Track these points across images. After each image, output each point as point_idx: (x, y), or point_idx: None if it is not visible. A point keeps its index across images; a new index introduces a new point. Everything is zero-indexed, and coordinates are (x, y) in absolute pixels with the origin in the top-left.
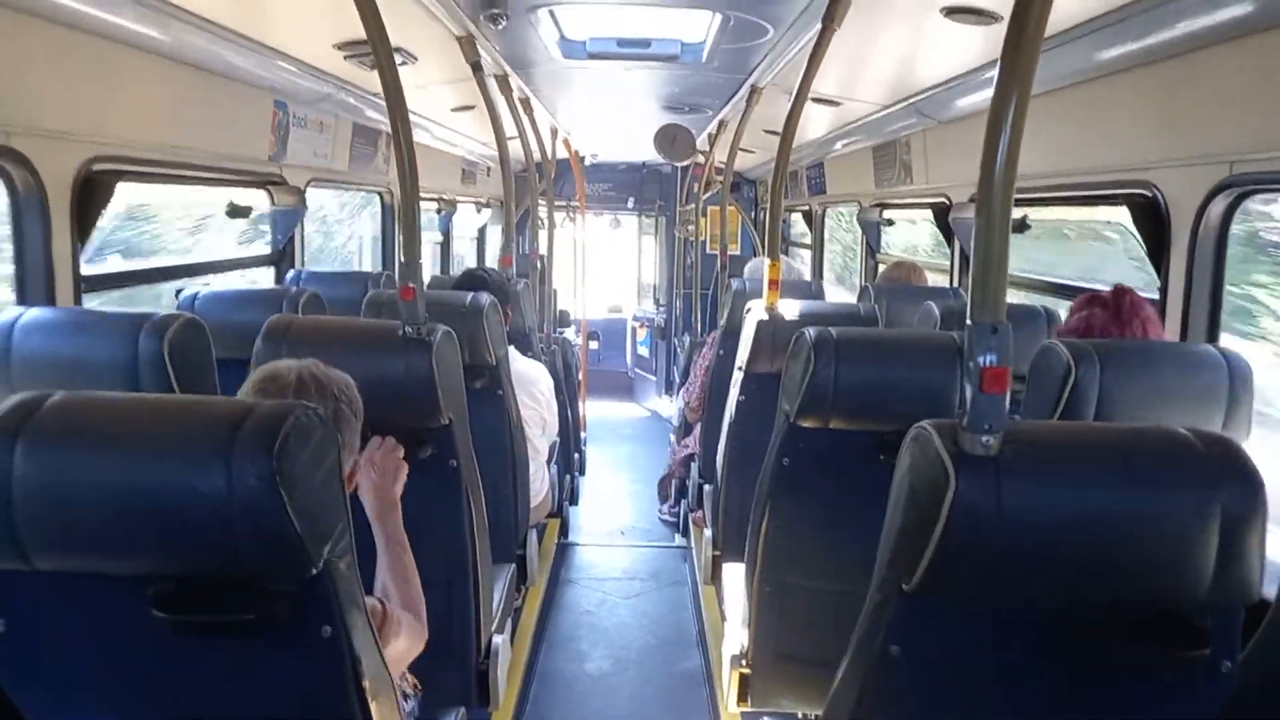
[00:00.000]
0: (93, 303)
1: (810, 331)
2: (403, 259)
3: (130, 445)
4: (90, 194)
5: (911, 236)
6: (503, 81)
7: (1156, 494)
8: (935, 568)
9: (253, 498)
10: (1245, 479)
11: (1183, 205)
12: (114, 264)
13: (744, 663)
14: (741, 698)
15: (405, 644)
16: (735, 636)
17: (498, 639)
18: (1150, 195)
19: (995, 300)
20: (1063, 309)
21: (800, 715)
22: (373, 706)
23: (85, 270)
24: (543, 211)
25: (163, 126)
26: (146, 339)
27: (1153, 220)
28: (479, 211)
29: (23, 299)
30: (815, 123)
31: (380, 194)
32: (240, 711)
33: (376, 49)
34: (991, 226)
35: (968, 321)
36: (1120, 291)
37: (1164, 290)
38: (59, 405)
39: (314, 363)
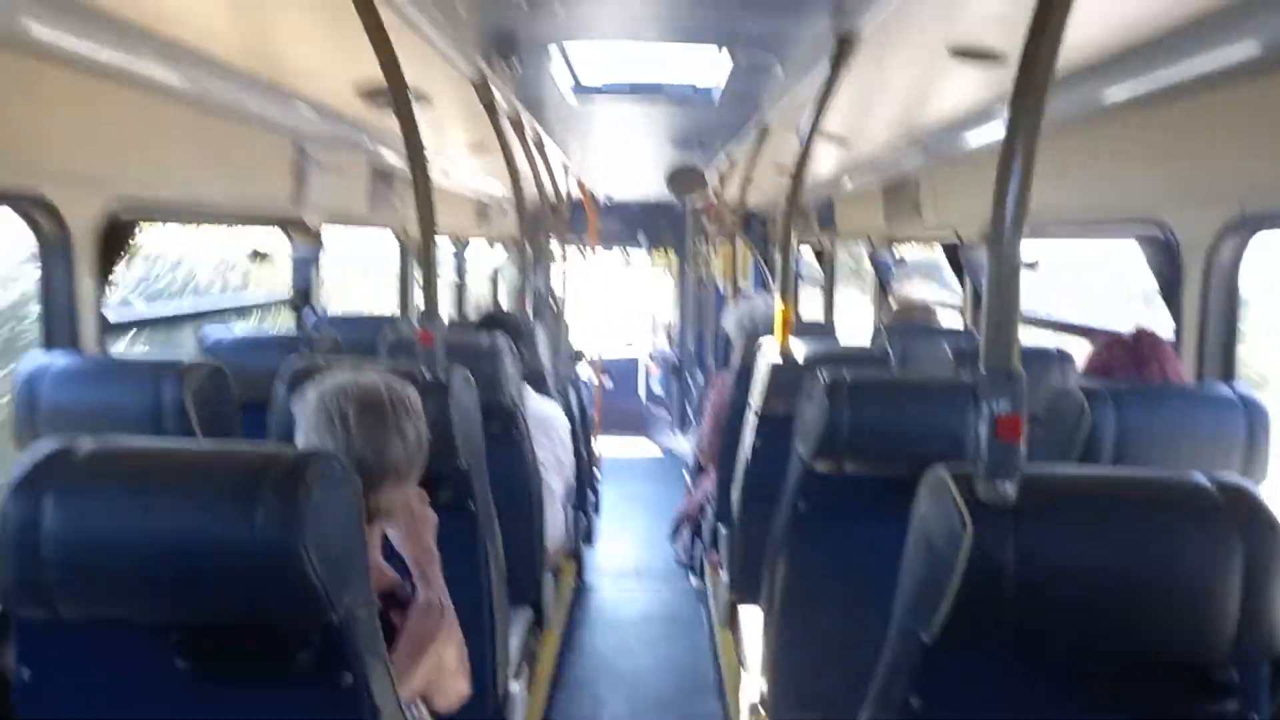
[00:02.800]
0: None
1: (824, 374)
2: (422, 305)
3: (155, 494)
4: (112, 239)
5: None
6: (516, 123)
7: (1176, 545)
8: (954, 619)
9: (275, 546)
10: (1265, 529)
11: (1194, 244)
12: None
13: (763, 711)
14: None
15: (456, 675)
16: (754, 684)
17: (514, 686)
18: (1162, 234)
19: (1007, 347)
20: (1073, 347)
21: None
22: None
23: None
24: (556, 250)
25: (185, 171)
26: (169, 386)
27: (1165, 259)
28: (492, 248)
29: (49, 343)
30: (825, 160)
31: (397, 235)
32: None
33: (395, 95)
34: (1003, 272)
35: (980, 369)
36: (1140, 333)
37: (1178, 330)
38: (88, 456)
39: (387, 378)
